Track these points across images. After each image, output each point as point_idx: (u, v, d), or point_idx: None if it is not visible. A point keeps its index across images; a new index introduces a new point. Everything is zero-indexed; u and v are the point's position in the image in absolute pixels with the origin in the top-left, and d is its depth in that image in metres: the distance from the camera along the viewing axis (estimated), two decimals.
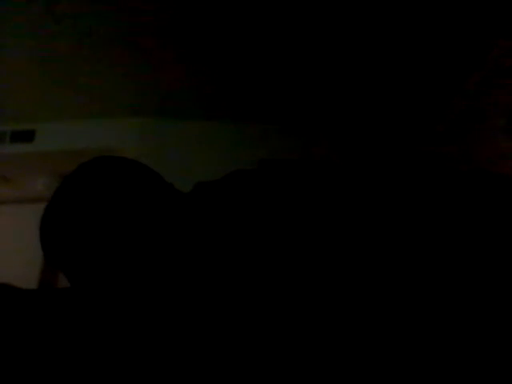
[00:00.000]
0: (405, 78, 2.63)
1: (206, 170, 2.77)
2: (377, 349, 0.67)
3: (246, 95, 2.90)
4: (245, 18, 2.32)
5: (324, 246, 0.74)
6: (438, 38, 2.35)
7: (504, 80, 2.31)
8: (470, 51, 2.38)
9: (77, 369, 0.70)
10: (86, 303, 0.77)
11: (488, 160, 2.68)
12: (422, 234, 0.74)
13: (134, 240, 0.79)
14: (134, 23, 2.37)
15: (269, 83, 2.79)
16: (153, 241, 0.79)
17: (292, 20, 2.32)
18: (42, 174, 3.41)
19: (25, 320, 0.75)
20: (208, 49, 2.54)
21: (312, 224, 0.76)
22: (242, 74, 2.73)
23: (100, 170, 0.87)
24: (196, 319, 0.72)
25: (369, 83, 2.72)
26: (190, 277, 0.75)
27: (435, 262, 0.72)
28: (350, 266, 0.72)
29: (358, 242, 0.74)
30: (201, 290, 0.74)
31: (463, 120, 2.65)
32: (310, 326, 0.69)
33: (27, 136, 3.18)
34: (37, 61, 2.65)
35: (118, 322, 0.73)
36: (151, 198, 0.84)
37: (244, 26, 2.37)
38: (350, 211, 0.77)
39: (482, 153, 2.70)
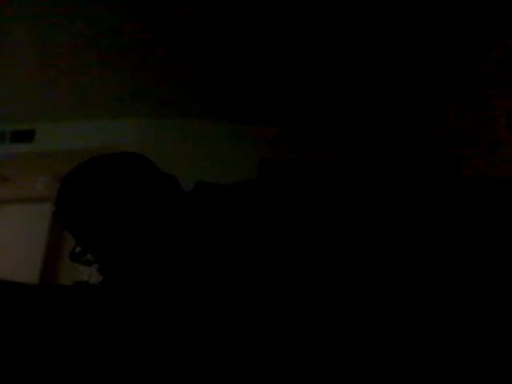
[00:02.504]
0: (408, 78, 2.63)
1: (206, 170, 2.77)
2: (377, 349, 0.67)
3: (246, 95, 2.90)
4: (245, 17, 2.31)
5: (325, 249, 0.74)
6: (441, 39, 2.35)
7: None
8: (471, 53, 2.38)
9: (76, 364, 0.70)
10: (88, 300, 0.77)
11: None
12: (422, 236, 0.74)
13: (137, 236, 0.79)
14: (134, 25, 2.37)
15: (270, 84, 2.79)
16: (156, 238, 0.79)
17: (293, 21, 2.32)
18: (41, 173, 3.41)
19: (25, 314, 0.75)
20: (208, 49, 2.53)
21: (313, 227, 0.76)
22: (242, 75, 2.73)
23: (103, 166, 0.86)
24: (196, 317, 0.72)
25: (370, 83, 2.72)
26: (191, 275, 0.75)
27: (435, 265, 0.72)
28: (351, 268, 0.72)
29: (359, 243, 0.74)
30: (201, 288, 0.74)
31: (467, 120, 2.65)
32: (310, 326, 0.69)
33: (27, 136, 3.18)
34: (37, 61, 2.65)
35: (118, 318, 0.73)
36: (155, 195, 0.84)
37: (245, 25, 2.37)
38: (351, 214, 0.77)
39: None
